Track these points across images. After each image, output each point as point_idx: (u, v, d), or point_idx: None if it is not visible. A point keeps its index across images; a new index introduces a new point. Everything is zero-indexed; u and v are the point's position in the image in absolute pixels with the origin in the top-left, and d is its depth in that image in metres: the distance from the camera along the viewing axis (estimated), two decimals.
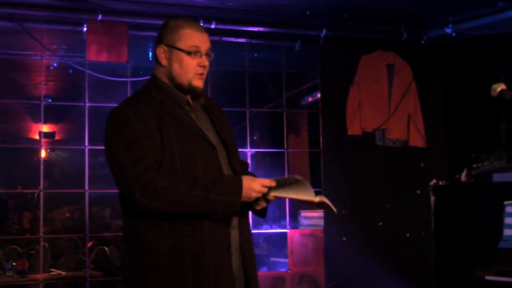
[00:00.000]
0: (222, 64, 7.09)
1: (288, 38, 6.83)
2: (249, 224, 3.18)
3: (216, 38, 6.59)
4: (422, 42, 7.09)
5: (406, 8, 6.48)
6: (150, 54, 7.19)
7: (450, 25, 6.72)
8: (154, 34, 6.53)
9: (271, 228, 7.65)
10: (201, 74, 3.07)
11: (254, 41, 6.78)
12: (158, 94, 3.03)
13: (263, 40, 6.84)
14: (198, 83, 3.06)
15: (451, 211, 7.01)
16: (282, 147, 7.09)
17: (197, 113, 3.11)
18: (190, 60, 3.03)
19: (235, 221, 3.05)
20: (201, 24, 6.27)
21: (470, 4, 6.31)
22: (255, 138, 9.73)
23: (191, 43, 3.02)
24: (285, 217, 7.01)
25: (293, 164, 8.21)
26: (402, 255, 6.97)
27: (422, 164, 7.18)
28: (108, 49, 6.20)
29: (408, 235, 7.05)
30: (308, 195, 3.06)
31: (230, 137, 3.16)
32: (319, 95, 7.04)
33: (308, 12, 6.41)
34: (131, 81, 6.57)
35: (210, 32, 6.38)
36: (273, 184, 2.99)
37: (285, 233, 6.84)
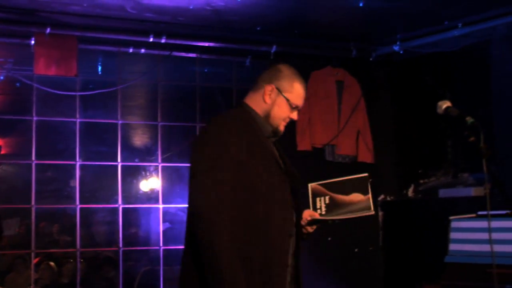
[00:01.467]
0: (172, 78, 7.08)
1: (239, 54, 6.85)
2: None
3: (167, 53, 6.58)
4: (371, 59, 7.18)
5: (355, 25, 6.56)
6: (100, 68, 7.13)
7: (398, 43, 6.82)
8: (104, 47, 6.55)
9: None
10: (286, 123, 3.33)
11: (205, 56, 6.79)
12: (252, 119, 3.24)
13: (214, 55, 6.85)
14: (282, 129, 3.34)
15: (398, 226, 7.09)
16: None
17: (274, 146, 3.32)
18: (288, 111, 3.30)
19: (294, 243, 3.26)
20: (152, 40, 6.28)
21: (417, 22, 6.42)
22: None
23: (298, 102, 3.32)
24: None
25: None
26: (351, 269, 7.01)
27: (370, 180, 7.23)
28: (56, 63, 6.13)
29: (356, 250, 7.10)
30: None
31: (295, 172, 3.37)
32: None
33: (258, 28, 6.45)
34: (80, 95, 6.52)
35: (160, 46, 6.40)
36: None
37: None
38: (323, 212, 3.35)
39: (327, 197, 3.38)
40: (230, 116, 3.25)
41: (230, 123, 3.13)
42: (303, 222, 3.37)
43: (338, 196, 3.37)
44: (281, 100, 3.27)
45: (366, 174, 3.30)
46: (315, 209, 3.40)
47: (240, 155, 3.03)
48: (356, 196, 3.33)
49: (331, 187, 3.38)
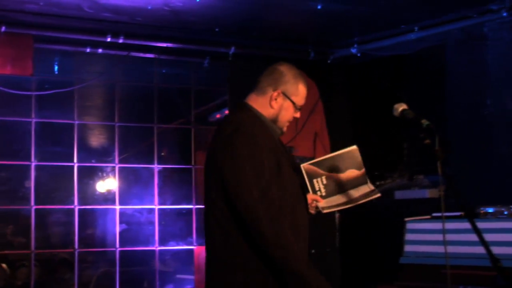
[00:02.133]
0: (130, 79, 7.04)
1: (198, 55, 6.84)
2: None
3: (125, 53, 6.54)
4: (329, 62, 7.22)
5: (313, 28, 6.60)
6: (56, 67, 7.06)
7: (356, 46, 6.88)
8: (61, 47, 6.48)
9: (178, 244, 7.61)
10: (289, 123, 3.44)
11: (163, 57, 6.76)
12: (266, 127, 3.31)
13: (172, 56, 6.83)
14: (285, 130, 3.47)
15: (355, 227, 7.14)
16: (190, 163, 7.08)
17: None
18: (293, 112, 3.40)
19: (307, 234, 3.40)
20: (109, 40, 6.23)
21: (374, 25, 6.48)
22: (162, 154, 9.66)
23: (302, 102, 3.40)
24: (192, 233, 6.99)
25: (201, 180, 8.19)
26: None
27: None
28: (12, 62, 6.05)
29: (313, 251, 7.13)
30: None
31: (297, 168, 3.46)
32: (227, 112, 7.07)
33: (217, 30, 6.45)
34: (36, 95, 6.44)
35: (118, 47, 6.36)
36: None
37: (191, 250, 6.82)
38: (323, 194, 3.42)
39: (323, 178, 3.44)
40: (249, 123, 3.24)
41: (254, 133, 3.16)
42: (312, 211, 3.50)
43: (334, 174, 3.43)
44: (288, 104, 3.36)
45: (355, 147, 3.37)
46: (314, 191, 3.43)
47: (269, 162, 3.11)
48: (351, 172, 3.40)
49: (323, 165, 3.44)
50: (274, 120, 3.36)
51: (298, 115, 3.42)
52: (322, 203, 3.41)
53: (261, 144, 3.12)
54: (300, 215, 3.30)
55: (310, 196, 3.42)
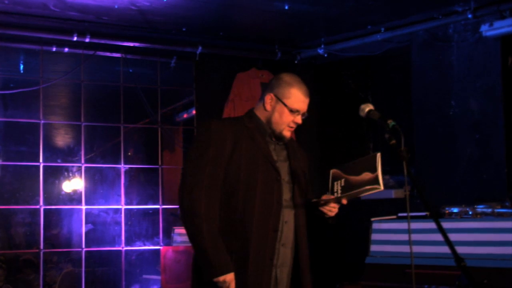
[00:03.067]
0: (96, 78, 7.00)
1: (164, 54, 6.82)
2: (306, 244, 3.70)
3: (91, 52, 6.50)
4: (296, 62, 7.25)
5: (280, 28, 6.61)
6: (22, 66, 6.99)
7: (322, 46, 6.91)
8: (26, 46, 6.43)
9: (144, 244, 7.59)
10: (292, 128, 3.59)
11: (129, 56, 6.73)
12: (249, 122, 3.60)
13: (138, 56, 6.80)
14: (287, 134, 3.60)
15: (321, 227, 7.16)
16: (157, 163, 7.06)
17: (277, 146, 3.61)
18: (289, 116, 3.54)
19: (286, 238, 3.54)
20: (76, 39, 6.18)
21: (341, 26, 6.52)
22: (129, 153, 9.63)
23: (297, 106, 3.53)
24: (158, 233, 6.96)
25: (168, 180, 8.18)
26: None
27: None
28: None
29: None
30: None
31: (301, 174, 3.70)
32: (194, 112, 7.06)
33: (184, 29, 6.43)
34: (1, 94, 6.38)
35: (84, 46, 6.32)
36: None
37: (158, 250, 6.79)
38: (339, 194, 3.61)
39: (342, 180, 3.63)
40: (228, 119, 3.77)
41: (220, 123, 3.56)
42: (331, 213, 3.78)
43: (351, 177, 3.58)
44: (280, 106, 3.54)
45: (377, 153, 3.42)
46: (332, 193, 3.65)
47: (223, 141, 3.43)
48: (366, 175, 3.47)
49: (347, 170, 3.63)
50: (269, 122, 3.57)
51: (298, 119, 3.57)
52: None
53: (214, 137, 3.43)
54: (264, 204, 3.46)
55: (324, 196, 3.68)
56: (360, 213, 6.34)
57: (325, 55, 6.98)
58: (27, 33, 6.12)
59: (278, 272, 3.50)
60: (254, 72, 7.13)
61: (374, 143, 7.02)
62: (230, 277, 3.33)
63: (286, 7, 5.82)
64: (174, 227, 7.93)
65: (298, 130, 7.19)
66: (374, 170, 3.40)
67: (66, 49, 6.41)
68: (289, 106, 3.52)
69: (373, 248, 5.26)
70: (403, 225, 5.08)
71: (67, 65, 6.82)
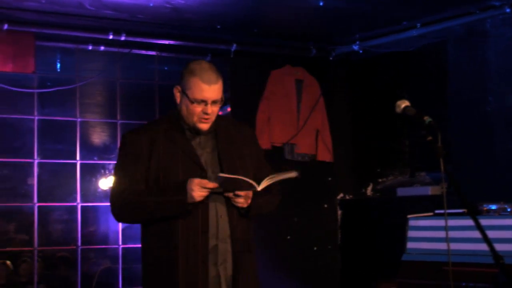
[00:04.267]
0: (131, 76, 7.04)
1: (198, 52, 6.83)
2: (246, 235, 3.50)
3: (126, 50, 6.54)
4: (330, 58, 7.22)
5: (315, 24, 6.59)
6: (58, 65, 7.06)
7: (357, 42, 6.87)
8: (62, 44, 6.49)
9: None
10: (205, 119, 3.37)
11: (164, 54, 6.76)
12: (166, 122, 3.46)
13: (173, 54, 6.83)
14: (202, 126, 3.38)
15: (357, 224, 7.14)
16: None
17: (202, 139, 3.44)
18: (195, 107, 3.34)
19: (223, 234, 3.38)
20: (111, 37, 6.22)
21: (376, 22, 6.48)
22: None
23: (196, 95, 3.32)
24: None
25: None
26: (309, 268, 7.05)
27: (329, 179, 7.28)
28: (13, 59, 6.05)
29: (315, 248, 7.14)
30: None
31: (232, 161, 3.44)
32: (229, 109, 7.06)
33: (218, 27, 6.44)
34: (38, 93, 6.44)
35: (119, 44, 6.36)
36: (210, 185, 3.26)
37: None
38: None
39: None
40: (146, 125, 3.57)
41: (133, 134, 3.47)
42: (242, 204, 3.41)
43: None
44: (184, 98, 3.38)
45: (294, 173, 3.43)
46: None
47: (138, 150, 3.37)
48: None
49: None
50: (182, 116, 3.42)
51: (208, 109, 3.34)
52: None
53: (128, 151, 3.43)
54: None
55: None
56: (397, 210, 6.31)
57: (360, 52, 6.95)
58: (63, 32, 6.18)
59: (221, 270, 3.37)
60: (288, 69, 7.12)
61: (410, 139, 6.97)
62: (190, 186, 3.24)
63: (321, 3, 5.80)
64: None
65: (333, 128, 7.21)
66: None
67: (102, 48, 6.46)
68: (191, 97, 3.33)
69: (410, 245, 5.22)
70: (440, 222, 5.03)
71: (102, 63, 6.87)
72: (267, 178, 3.31)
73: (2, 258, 8.64)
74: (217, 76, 3.37)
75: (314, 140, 7.17)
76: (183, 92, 3.38)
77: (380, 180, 7.19)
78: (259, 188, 3.28)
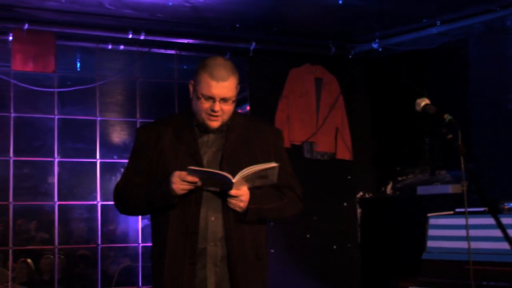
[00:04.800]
0: (151, 75, 7.06)
1: (218, 51, 6.83)
2: (244, 240, 3.32)
3: (145, 49, 6.56)
4: (350, 57, 7.20)
5: (334, 23, 6.57)
6: (78, 64, 7.10)
7: (377, 40, 6.85)
8: (82, 44, 6.52)
9: None
10: (214, 116, 3.29)
11: (183, 53, 6.77)
12: (180, 117, 3.47)
13: (192, 52, 6.83)
14: (211, 123, 3.31)
15: (377, 223, 7.12)
16: None
17: (211, 137, 3.36)
18: (203, 103, 3.28)
19: (214, 237, 3.27)
20: (131, 36, 6.24)
21: (395, 20, 6.45)
22: None
23: (204, 92, 3.26)
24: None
25: None
26: (328, 266, 7.04)
27: (349, 177, 7.27)
28: (34, 59, 6.09)
29: (335, 247, 7.13)
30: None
31: (237, 161, 3.28)
32: (248, 108, 7.06)
33: (237, 25, 6.44)
34: (58, 92, 6.48)
35: (138, 43, 6.38)
36: (189, 178, 3.17)
37: None
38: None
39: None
40: (158, 120, 3.58)
41: (144, 129, 3.52)
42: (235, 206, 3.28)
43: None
44: (195, 93, 3.33)
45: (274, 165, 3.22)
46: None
47: (145, 144, 3.39)
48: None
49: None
50: (193, 111, 3.39)
51: (215, 107, 3.26)
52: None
53: (141, 137, 3.46)
54: (180, 204, 3.27)
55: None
56: (417, 208, 6.28)
57: (380, 50, 6.92)
58: (83, 31, 6.21)
59: (208, 274, 3.27)
60: (307, 68, 7.11)
61: (430, 138, 6.94)
62: (171, 178, 3.18)
63: (340, 1, 5.79)
64: None
65: (353, 126, 7.19)
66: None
67: (122, 47, 6.48)
68: (198, 92, 3.29)
69: (430, 244, 5.20)
70: (461, 221, 5.01)
71: (122, 62, 6.90)
72: (244, 169, 3.15)
73: (24, 257, 8.71)
74: (228, 73, 3.30)
75: (334, 139, 7.16)
76: (194, 87, 3.34)
77: (400, 178, 7.16)
78: (234, 180, 3.13)
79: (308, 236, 6.98)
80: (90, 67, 6.81)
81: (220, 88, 3.26)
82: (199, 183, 3.19)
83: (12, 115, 6.22)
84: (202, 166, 3.27)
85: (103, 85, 6.70)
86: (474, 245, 4.72)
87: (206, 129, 3.34)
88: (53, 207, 6.52)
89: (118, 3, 5.72)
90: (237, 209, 3.25)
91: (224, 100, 3.28)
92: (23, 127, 7.44)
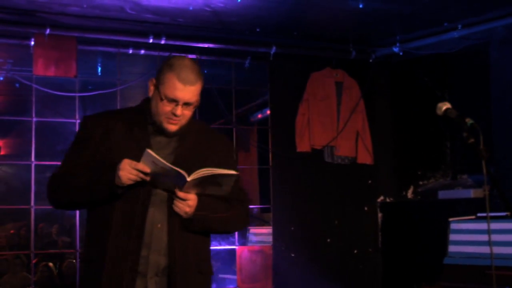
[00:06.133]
0: None
1: (238, 55, 6.85)
2: (189, 250, 3.08)
3: (166, 53, 6.58)
4: (370, 61, 7.18)
5: (355, 26, 6.56)
6: (99, 69, 7.14)
7: (398, 44, 6.82)
8: (103, 48, 6.56)
9: (220, 244, 7.63)
10: (174, 120, 3.05)
11: (204, 57, 6.78)
12: (131, 112, 3.19)
13: (213, 57, 6.85)
14: (170, 127, 3.07)
15: (398, 227, 7.09)
16: None
17: (163, 139, 3.11)
18: (164, 105, 3.02)
19: (157, 245, 3.03)
20: (151, 41, 6.26)
21: (417, 24, 6.43)
22: None
23: (169, 93, 3.00)
24: (233, 233, 7.00)
25: (243, 180, 8.22)
26: (349, 271, 7.02)
27: (369, 181, 7.25)
28: (56, 64, 6.12)
29: (355, 251, 7.11)
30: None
31: (188, 167, 2.95)
32: (268, 112, 7.07)
33: (258, 29, 6.45)
34: (80, 96, 6.51)
35: (159, 48, 6.40)
36: (140, 166, 2.93)
37: (233, 250, 6.83)
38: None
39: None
40: (110, 111, 3.40)
41: (91, 118, 3.24)
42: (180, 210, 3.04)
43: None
44: (156, 93, 3.06)
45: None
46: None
47: (91, 135, 3.11)
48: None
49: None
50: (151, 110, 3.10)
51: (177, 111, 3.02)
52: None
53: (88, 127, 3.17)
54: (126, 206, 3.02)
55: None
56: (438, 213, 6.25)
57: (401, 54, 6.89)
58: (105, 36, 6.24)
59: (148, 284, 3.02)
60: (328, 72, 7.10)
61: (451, 142, 6.90)
62: (120, 165, 2.93)
63: (361, 6, 5.77)
64: (250, 227, 7.96)
65: (373, 130, 7.18)
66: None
67: (142, 51, 6.50)
68: (162, 93, 3.00)
69: (452, 248, 5.17)
70: (483, 226, 4.97)
71: (143, 66, 6.93)
72: (201, 170, 2.93)
73: (45, 260, 8.76)
74: (196, 77, 3.09)
75: (354, 143, 7.14)
76: (156, 86, 3.05)
77: (421, 182, 7.13)
78: (189, 179, 2.89)
79: (328, 240, 6.96)
80: (111, 72, 6.84)
81: (186, 92, 3.03)
82: (148, 178, 2.96)
83: (34, 119, 6.26)
84: None
85: (124, 89, 6.72)
86: (496, 250, 4.68)
87: (162, 131, 3.10)
88: (74, 211, 6.55)
89: (139, 8, 5.75)
90: (182, 214, 3.01)
91: (187, 104, 3.05)
92: (45, 132, 7.47)
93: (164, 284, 3.03)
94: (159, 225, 3.03)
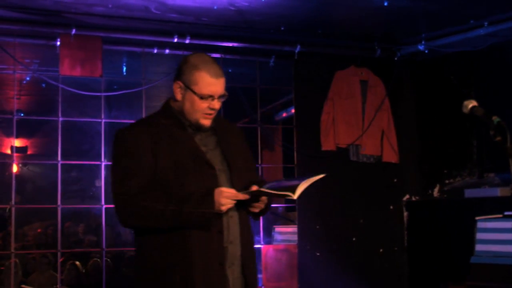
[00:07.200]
0: None
1: (263, 54, 6.85)
2: (251, 237, 3.36)
3: (191, 53, 6.58)
4: (395, 59, 7.15)
5: (379, 24, 6.54)
6: (124, 68, 7.17)
7: (423, 42, 6.78)
8: (128, 48, 6.59)
9: None
10: (210, 114, 3.24)
11: (228, 57, 6.79)
12: (164, 118, 3.28)
13: (237, 56, 6.86)
14: (205, 122, 3.25)
15: (424, 226, 7.05)
16: (257, 162, 7.10)
17: (203, 135, 3.29)
18: (202, 103, 3.20)
19: (232, 235, 3.21)
20: (176, 40, 6.28)
21: (442, 21, 6.39)
22: None
23: (206, 91, 3.18)
24: (259, 232, 7.01)
25: (268, 179, 8.22)
26: (375, 270, 6.99)
27: (395, 180, 7.21)
28: (81, 64, 6.16)
29: (381, 250, 7.08)
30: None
31: (236, 158, 3.31)
32: (293, 111, 7.06)
33: (282, 28, 6.45)
34: (105, 96, 6.55)
35: (184, 47, 6.42)
36: (240, 196, 3.13)
37: (259, 249, 6.84)
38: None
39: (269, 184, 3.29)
40: (142, 121, 3.45)
41: (133, 131, 3.26)
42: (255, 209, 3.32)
43: (283, 182, 3.36)
44: (189, 94, 3.21)
45: (321, 175, 3.28)
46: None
47: (141, 147, 3.14)
48: (293, 183, 3.20)
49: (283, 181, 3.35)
50: (182, 112, 3.26)
51: (215, 104, 3.23)
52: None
53: (131, 138, 3.20)
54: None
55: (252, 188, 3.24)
56: (464, 212, 6.21)
57: (426, 51, 6.85)
58: (130, 36, 6.27)
59: (229, 274, 3.19)
60: (353, 70, 7.08)
61: (477, 140, 6.84)
62: (218, 198, 3.06)
63: (386, 3, 5.75)
64: (275, 226, 7.97)
65: (399, 128, 7.14)
66: (302, 180, 3.14)
67: (167, 51, 6.53)
68: (198, 92, 3.18)
69: (479, 247, 5.14)
70: (509, 224, 4.94)
71: (168, 66, 6.95)
72: (301, 184, 3.11)
73: (72, 259, 8.83)
74: (221, 69, 3.27)
75: (380, 141, 7.11)
76: (188, 88, 3.20)
77: (447, 181, 7.08)
78: (295, 197, 3.08)
79: (354, 239, 6.94)
80: (136, 71, 6.87)
81: (220, 85, 3.24)
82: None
83: (60, 119, 6.30)
84: (210, 165, 3.21)
85: (149, 89, 6.75)
86: None
87: (198, 128, 3.27)
88: (100, 210, 6.59)
89: (164, 7, 5.77)
90: (256, 210, 3.29)
91: (221, 96, 3.26)
92: (71, 131, 7.54)
93: (238, 273, 3.23)
94: (231, 216, 3.22)
